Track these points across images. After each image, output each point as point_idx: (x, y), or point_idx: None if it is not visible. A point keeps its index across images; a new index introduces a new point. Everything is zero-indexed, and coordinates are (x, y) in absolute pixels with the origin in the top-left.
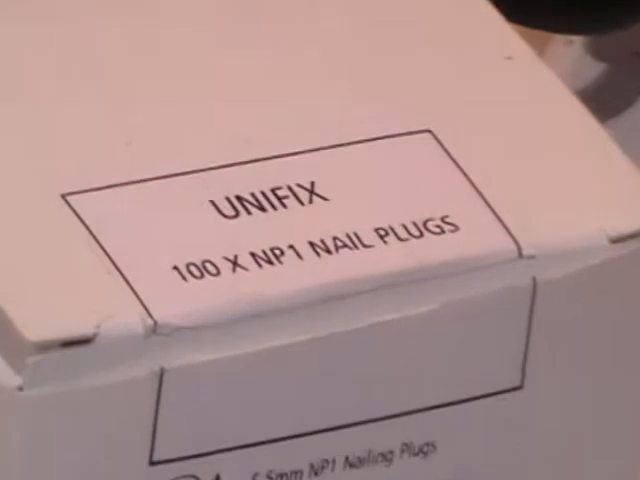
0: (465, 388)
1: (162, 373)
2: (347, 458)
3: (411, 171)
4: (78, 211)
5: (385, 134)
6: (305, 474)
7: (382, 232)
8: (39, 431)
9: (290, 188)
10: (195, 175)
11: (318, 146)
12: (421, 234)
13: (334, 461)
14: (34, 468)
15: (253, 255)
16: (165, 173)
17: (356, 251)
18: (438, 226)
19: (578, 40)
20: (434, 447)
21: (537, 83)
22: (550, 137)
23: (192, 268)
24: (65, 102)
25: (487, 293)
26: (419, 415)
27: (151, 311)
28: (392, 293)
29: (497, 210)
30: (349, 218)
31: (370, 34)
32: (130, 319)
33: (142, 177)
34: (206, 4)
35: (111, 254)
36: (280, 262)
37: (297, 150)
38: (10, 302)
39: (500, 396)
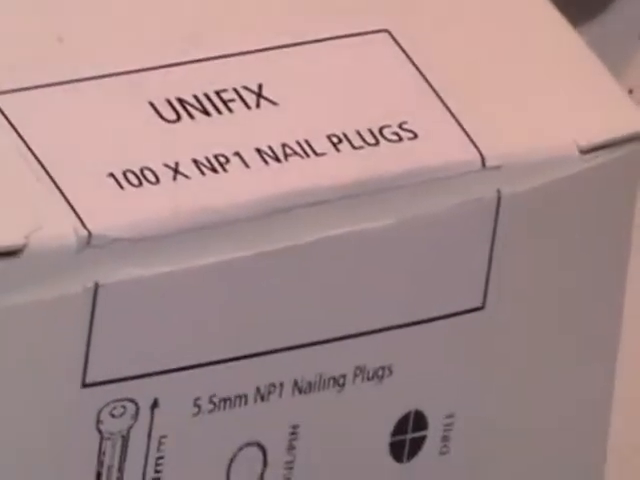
0: (424, 308)
1: (96, 288)
2: (296, 382)
3: (367, 74)
4: (5, 112)
5: (339, 34)
6: (250, 399)
7: (335, 139)
8: None
9: (236, 91)
10: (132, 75)
11: (267, 46)
12: (377, 142)
13: (282, 385)
14: None
15: (195, 162)
16: (100, 73)
17: (307, 159)
18: (395, 133)
19: None
20: (390, 371)
21: None
22: (518, 40)
23: (129, 175)
24: None
25: (447, 206)
26: (374, 337)
27: (85, 221)
28: (345, 205)
29: (459, 117)
30: (299, 124)
31: None
32: (62, 230)
33: (75, 77)
34: None
35: (41, 159)
36: (225, 170)
37: (244, 50)
38: None
39: (460, 317)
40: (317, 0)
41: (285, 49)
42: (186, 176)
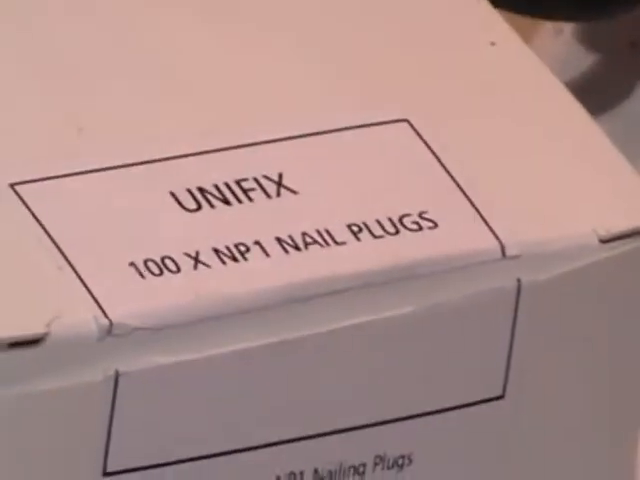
0: (444, 397)
1: (117, 377)
2: (316, 471)
3: (386, 163)
4: (27, 201)
5: (360, 123)
6: None
7: (355, 228)
8: None
9: (256, 180)
10: (153, 165)
11: (287, 135)
12: (397, 231)
13: (302, 474)
14: None
15: (216, 251)
16: (121, 162)
17: (327, 248)
18: (415, 222)
19: (568, 29)
20: (410, 460)
21: (522, 70)
22: (537, 129)
23: (150, 264)
24: (16, 86)
25: (467, 295)
26: (394, 425)
27: (106, 310)
28: (365, 294)
29: (479, 206)
30: (319, 213)
31: (347, 19)
32: (83, 318)
33: (96, 166)
34: None
35: (62, 248)
36: (245, 259)
37: (264, 139)
38: None
39: (480, 406)
40: (336, 89)
41: (305, 138)
42: (207, 265)
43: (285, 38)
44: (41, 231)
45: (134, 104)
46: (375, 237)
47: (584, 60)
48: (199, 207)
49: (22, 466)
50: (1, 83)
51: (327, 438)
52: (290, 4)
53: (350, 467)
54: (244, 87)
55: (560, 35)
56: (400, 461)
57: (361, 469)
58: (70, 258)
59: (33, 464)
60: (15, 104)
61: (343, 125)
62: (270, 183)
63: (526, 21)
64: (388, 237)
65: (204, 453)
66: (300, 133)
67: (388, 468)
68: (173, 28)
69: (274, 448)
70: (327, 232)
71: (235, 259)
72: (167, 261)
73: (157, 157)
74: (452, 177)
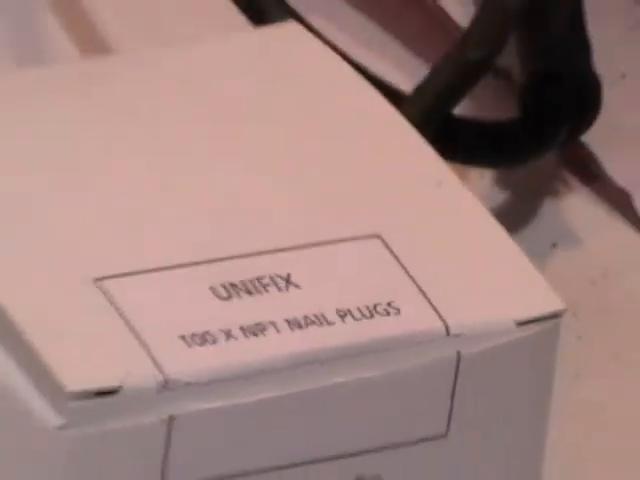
0: (400, 434)
1: (171, 420)
2: None
3: (363, 268)
4: (110, 293)
5: (340, 237)
6: None
7: (342, 313)
8: (73, 464)
9: (271, 278)
10: (197, 266)
11: (290, 245)
12: (372, 315)
13: None
14: None
15: (242, 329)
16: (176, 263)
17: (321, 327)
18: (385, 309)
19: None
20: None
21: (462, 206)
22: (471, 246)
23: (195, 338)
24: (92, 204)
25: (422, 362)
26: (366, 454)
27: (164, 370)
28: (347, 361)
29: (430, 297)
30: (317, 302)
31: (313, 154)
32: (147, 376)
33: (160, 266)
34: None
35: (132, 323)
36: (263, 334)
37: (273, 249)
38: (53, 360)
39: (429, 442)
40: (320, 211)
41: (304, 249)
42: (235, 338)
43: (267, 170)
44: (115, 312)
45: (178, 222)
46: (356, 319)
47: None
48: (230, 297)
49: None
50: (84, 195)
51: (322, 463)
52: (266, 140)
53: None
54: (244, 208)
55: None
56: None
57: None
58: (140, 333)
59: None
60: (95, 216)
61: (330, 238)
62: (281, 280)
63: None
64: (364, 320)
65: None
66: (300, 244)
67: None
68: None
69: (286, 470)
70: (322, 315)
71: (256, 335)
72: (207, 335)
73: (198, 260)
74: (410, 276)
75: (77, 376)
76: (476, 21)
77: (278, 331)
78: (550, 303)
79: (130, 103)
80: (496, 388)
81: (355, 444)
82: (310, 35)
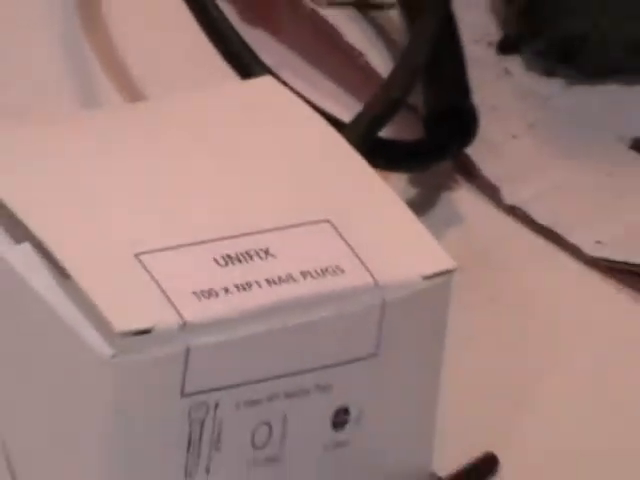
0: (342, 355)
1: (187, 350)
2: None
3: (318, 241)
4: (144, 263)
5: (303, 222)
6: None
7: (304, 274)
8: (120, 383)
9: (255, 251)
10: (205, 244)
11: (268, 228)
12: (324, 275)
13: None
14: (122, 414)
15: (236, 286)
16: (190, 242)
17: (290, 284)
18: (334, 271)
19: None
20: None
21: (383, 198)
22: (390, 224)
23: (204, 293)
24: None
25: (359, 306)
26: (318, 370)
27: (182, 315)
28: (308, 306)
29: (365, 261)
30: (287, 267)
31: (280, 167)
32: (170, 320)
33: (179, 244)
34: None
35: (162, 285)
36: (250, 290)
37: (256, 231)
38: (106, 306)
39: (363, 360)
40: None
41: (277, 231)
42: (232, 293)
43: (245, 179)
44: (148, 276)
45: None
46: (313, 278)
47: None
48: (227, 264)
49: (136, 401)
50: (127, 198)
51: (293, 376)
52: (229, 158)
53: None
54: (233, 204)
55: None
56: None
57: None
58: (164, 288)
59: (139, 399)
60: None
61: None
62: (262, 252)
63: None
64: (320, 278)
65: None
66: (273, 227)
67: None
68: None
69: (271, 381)
70: (290, 276)
71: (245, 289)
72: (212, 291)
73: (205, 239)
74: (351, 247)
75: (123, 319)
76: (395, 72)
77: (260, 287)
78: (445, 263)
79: (148, 136)
80: (410, 323)
81: (315, 362)
82: (281, 86)
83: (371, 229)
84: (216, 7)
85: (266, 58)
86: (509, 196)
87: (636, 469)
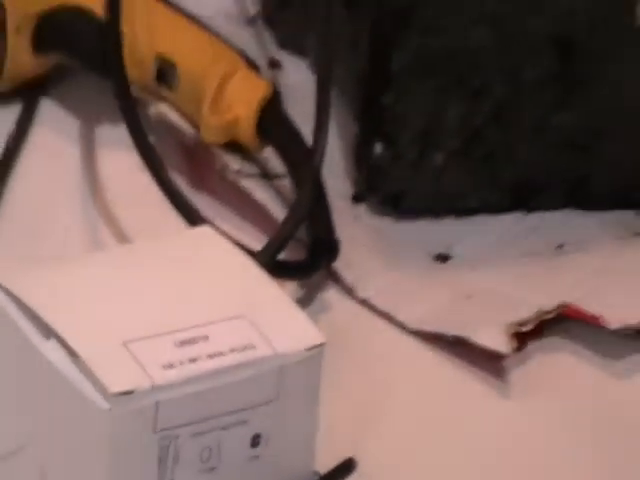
0: (257, 400)
1: (157, 402)
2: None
3: (236, 329)
4: (129, 347)
5: (225, 317)
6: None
7: (228, 350)
8: (115, 429)
9: (199, 337)
10: (168, 334)
11: (205, 322)
12: (244, 349)
13: None
14: (116, 445)
15: (189, 360)
16: (158, 333)
17: (221, 357)
18: (250, 346)
19: None
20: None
21: (278, 299)
22: (276, 311)
23: (167, 365)
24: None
25: (264, 369)
26: (244, 411)
27: (154, 380)
28: (230, 372)
29: (271, 339)
30: (218, 346)
31: (204, 287)
32: (145, 384)
33: (153, 334)
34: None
35: (141, 362)
36: (197, 362)
37: (196, 325)
38: (101, 372)
39: (267, 404)
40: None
41: (211, 324)
42: (185, 364)
43: (181, 296)
44: (131, 356)
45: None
46: (237, 352)
47: None
48: (182, 346)
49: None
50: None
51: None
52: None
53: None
54: (177, 308)
55: None
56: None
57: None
58: (142, 363)
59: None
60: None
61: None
62: (204, 338)
63: None
64: (239, 352)
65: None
66: (207, 322)
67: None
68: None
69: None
70: (220, 352)
71: (194, 362)
72: (173, 364)
73: (167, 331)
74: (258, 328)
75: (114, 384)
76: (288, 218)
77: (203, 360)
78: (319, 339)
79: (128, 268)
80: (298, 378)
81: (238, 406)
82: (214, 232)
83: (272, 318)
84: (170, 180)
85: (204, 211)
86: (361, 292)
87: None
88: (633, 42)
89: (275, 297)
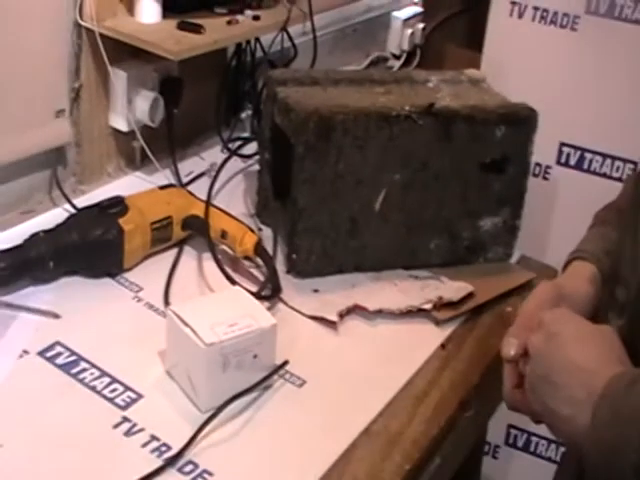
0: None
1: (222, 346)
2: None
3: None
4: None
5: None
6: None
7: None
8: (209, 357)
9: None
10: None
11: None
12: (249, 327)
13: None
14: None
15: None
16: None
17: (232, 327)
18: (250, 325)
19: None
20: None
21: None
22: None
23: (224, 333)
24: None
25: (256, 333)
26: None
27: (220, 338)
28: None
29: (257, 321)
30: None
31: None
32: (216, 339)
33: None
34: None
35: (216, 331)
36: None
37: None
38: (203, 335)
39: None
40: None
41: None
42: None
43: None
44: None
45: None
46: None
47: None
48: (230, 327)
49: None
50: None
51: None
52: None
53: None
54: None
55: None
56: None
57: None
58: (215, 331)
59: None
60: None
61: None
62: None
63: None
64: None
65: None
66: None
67: None
68: None
69: None
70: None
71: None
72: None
73: (221, 322)
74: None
75: (207, 339)
76: (265, 281)
77: (235, 331)
78: (273, 321)
79: (212, 299)
80: (268, 336)
81: (248, 345)
82: (240, 289)
83: (258, 315)
84: (224, 267)
85: (236, 278)
86: (291, 303)
87: None
88: None
89: (259, 309)
